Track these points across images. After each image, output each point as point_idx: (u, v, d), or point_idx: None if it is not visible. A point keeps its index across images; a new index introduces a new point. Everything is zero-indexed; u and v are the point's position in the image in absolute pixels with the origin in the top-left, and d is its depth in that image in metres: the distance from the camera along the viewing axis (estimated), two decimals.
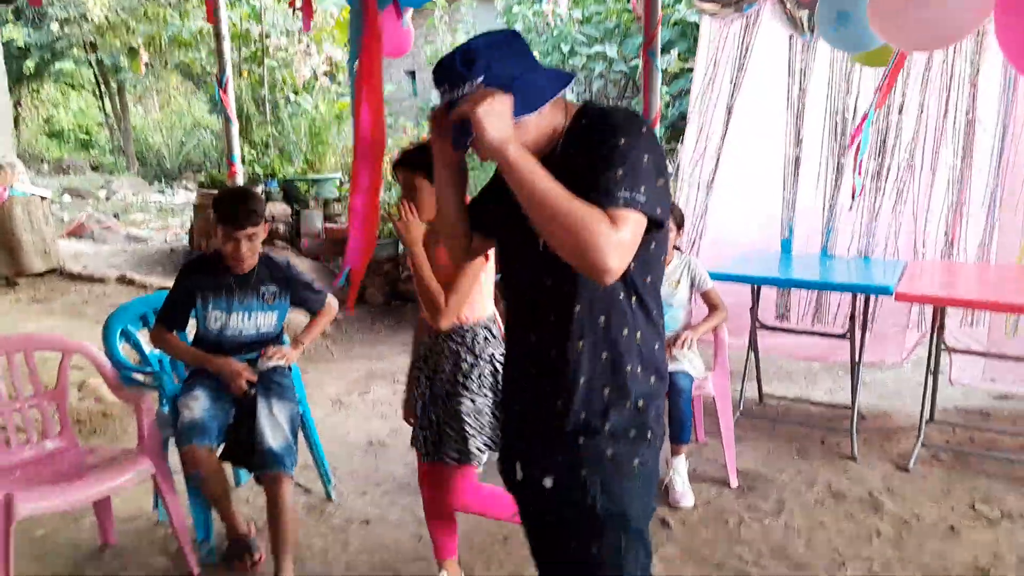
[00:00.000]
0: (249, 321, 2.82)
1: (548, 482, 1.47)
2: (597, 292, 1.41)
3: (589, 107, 1.48)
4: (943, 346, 3.56)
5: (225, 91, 4.79)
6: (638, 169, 1.32)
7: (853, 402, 3.59)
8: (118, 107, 13.89)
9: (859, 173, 3.96)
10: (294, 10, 5.38)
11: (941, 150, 4.06)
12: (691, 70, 7.18)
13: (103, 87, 13.90)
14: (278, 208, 6.53)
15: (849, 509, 3.02)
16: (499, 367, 2.30)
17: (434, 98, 10.48)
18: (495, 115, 1.28)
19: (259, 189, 6.36)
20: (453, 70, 1.35)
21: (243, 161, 4.75)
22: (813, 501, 3.09)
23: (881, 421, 3.89)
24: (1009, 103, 3.85)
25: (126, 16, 12.04)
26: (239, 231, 2.66)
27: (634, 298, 1.44)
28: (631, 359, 1.45)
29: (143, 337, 3.06)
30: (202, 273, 2.79)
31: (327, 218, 6.54)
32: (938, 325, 3.51)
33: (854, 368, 3.63)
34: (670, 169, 3.28)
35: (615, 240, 1.26)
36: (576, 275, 1.38)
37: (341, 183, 6.70)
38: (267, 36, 7.06)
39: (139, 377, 2.88)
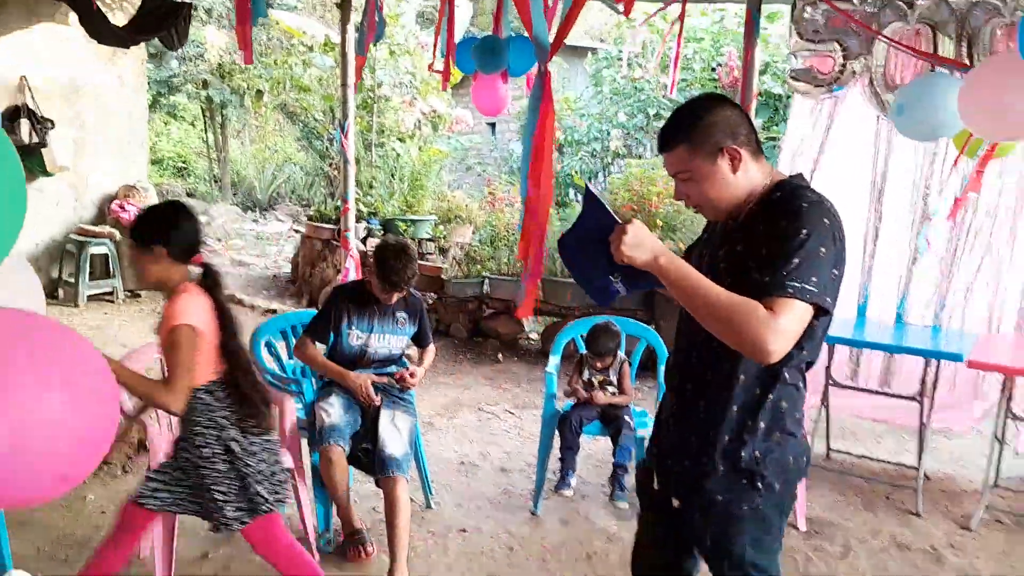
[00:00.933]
0: (384, 341, 3.22)
1: (675, 503, 1.75)
2: (756, 366, 1.60)
3: (787, 182, 1.65)
4: (1010, 415, 3.73)
5: (347, 136, 5.33)
6: (814, 260, 1.48)
7: (920, 460, 3.78)
8: (220, 139, 14.88)
9: (927, 237, 4.22)
10: (431, 71, 5.92)
11: (1019, 224, 4.27)
12: (774, 138, 7.52)
13: (208, 120, 14.94)
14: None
15: (912, 559, 3.22)
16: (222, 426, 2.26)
17: (515, 149, 11.01)
18: (636, 237, 1.52)
19: (362, 226, 6.89)
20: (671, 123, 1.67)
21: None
22: (878, 548, 3.29)
23: (945, 484, 4.05)
24: None
25: (238, 58, 13.05)
26: (395, 291, 3.08)
27: (788, 372, 1.64)
28: (764, 419, 1.64)
29: (283, 349, 3.50)
30: (352, 298, 3.21)
31: (421, 256, 7.03)
32: (1007, 394, 3.69)
33: (922, 428, 3.83)
34: None
35: (774, 327, 1.44)
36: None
37: (437, 224, 7.20)
38: (379, 85, 7.68)
39: (278, 383, 3.31)
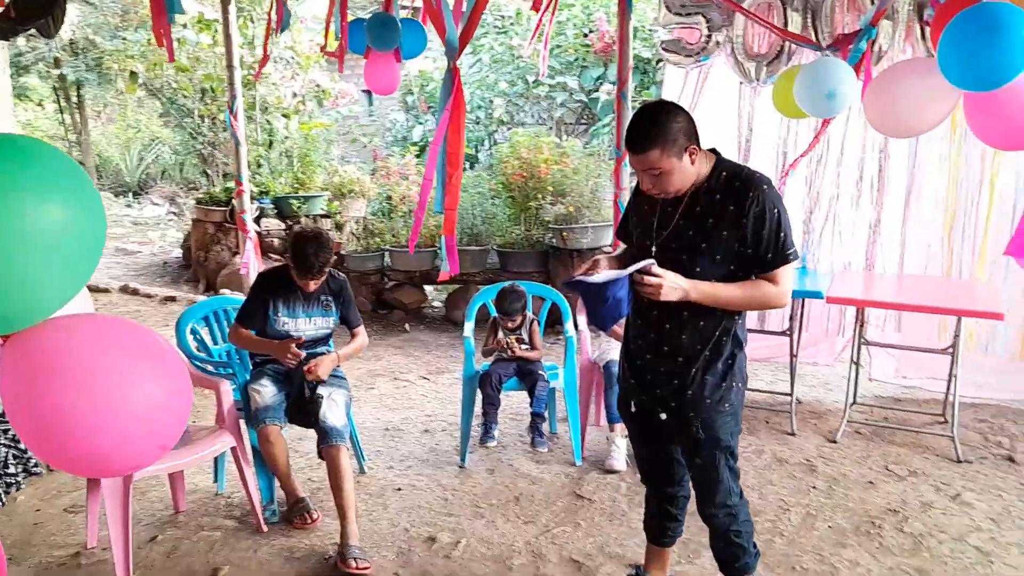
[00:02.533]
0: (310, 323, 3.37)
1: (663, 416, 2.27)
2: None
3: (721, 161, 2.18)
4: (864, 341, 4.34)
5: (235, 117, 5.32)
6: (788, 228, 2.11)
7: (792, 387, 4.34)
8: (77, 121, 14.01)
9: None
10: (324, 54, 5.91)
11: (863, 179, 4.87)
12: (644, 102, 7.97)
13: (63, 102, 14.02)
14: (272, 224, 7.03)
15: (791, 471, 3.75)
16: None
17: (397, 119, 11.06)
18: (666, 286, 2.02)
19: (254, 206, 6.84)
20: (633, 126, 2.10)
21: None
22: (762, 465, 3.80)
23: (814, 406, 4.65)
24: (916, 139, 4.68)
25: (92, 34, 12.31)
26: (312, 279, 3.20)
27: None
28: (731, 338, 2.21)
29: (206, 334, 3.60)
30: (276, 284, 3.32)
31: None
32: (860, 324, 4.29)
33: (792, 360, 4.38)
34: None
35: (783, 291, 2.12)
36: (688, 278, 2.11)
37: (330, 199, 7.24)
38: (260, 62, 7.55)
39: (208, 367, 3.41)
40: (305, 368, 3.27)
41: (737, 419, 2.28)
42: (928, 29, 4.03)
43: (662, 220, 2.21)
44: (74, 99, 13.90)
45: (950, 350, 4.03)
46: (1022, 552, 3.01)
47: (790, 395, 4.34)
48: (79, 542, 3.07)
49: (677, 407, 2.25)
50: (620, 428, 3.79)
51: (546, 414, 3.97)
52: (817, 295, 4.08)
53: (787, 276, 2.12)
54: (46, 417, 1.20)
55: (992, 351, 4.65)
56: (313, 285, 3.25)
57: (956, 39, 2.76)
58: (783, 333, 4.53)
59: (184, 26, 7.59)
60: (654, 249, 2.19)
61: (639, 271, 2.04)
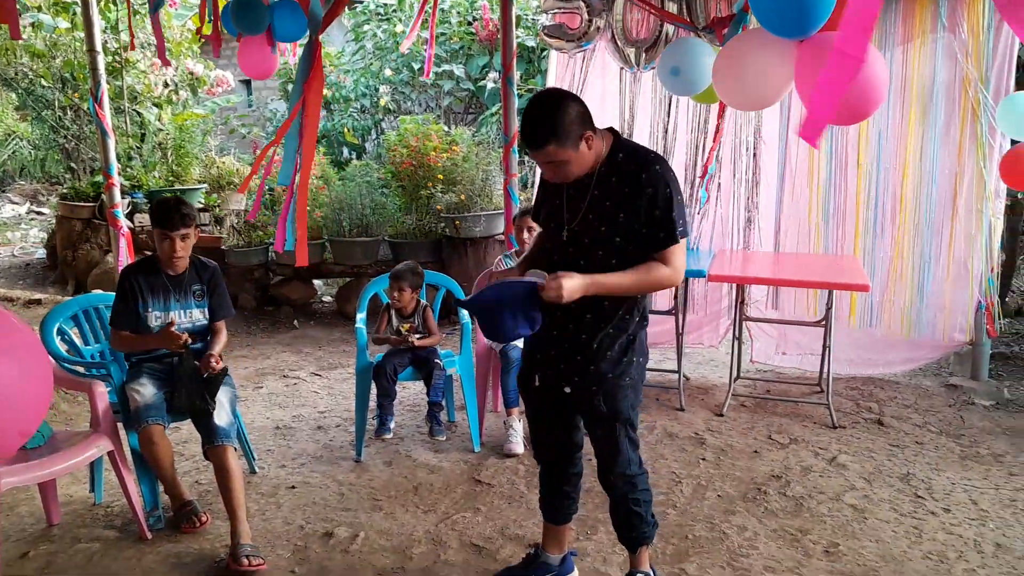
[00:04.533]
0: (185, 316, 3.20)
1: (567, 390, 2.31)
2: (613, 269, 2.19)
3: (619, 142, 2.22)
4: (744, 317, 4.53)
5: (100, 105, 4.98)
6: (680, 206, 2.16)
7: (679, 366, 4.49)
8: None
9: (706, 188, 4.90)
10: (201, 37, 5.59)
11: (737, 163, 5.08)
12: (531, 91, 8.04)
13: None
14: (146, 219, 6.63)
15: (681, 444, 3.88)
16: None
17: (278, 108, 10.68)
18: (563, 289, 2.06)
19: (127, 201, 6.44)
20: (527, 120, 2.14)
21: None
22: (654, 441, 3.91)
23: (701, 383, 4.84)
24: (786, 123, 4.92)
25: None
26: (174, 232, 3.06)
27: None
28: (632, 313, 2.28)
29: (76, 335, 3.35)
30: (141, 278, 3.14)
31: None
32: (740, 301, 4.48)
33: (679, 338, 4.53)
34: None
35: (676, 269, 2.17)
36: (597, 263, 2.19)
37: (208, 192, 6.91)
38: (126, 48, 7.10)
39: (79, 369, 3.18)
40: (200, 365, 3.08)
41: (638, 392, 2.34)
42: None
43: (569, 206, 2.25)
44: None
45: (823, 323, 4.28)
46: (892, 507, 3.23)
47: (677, 372, 4.49)
48: None
49: (580, 381, 2.28)
50: (517, 412, 3.81)
51: (443, 402, 3.93)
52: (700, 274, 4.23)
53: (678, 255, 2.18)
54: None
55: (864, 328, 4.93)
56: (179, 249, 3.07)
57: None
58: (668, 312, 4.67)
59: (39, 8, 7.03)
60: (564, 235, 2.23)
61: (534, 283, 2.11)
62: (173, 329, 3.01)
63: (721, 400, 4.43)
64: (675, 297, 4.58)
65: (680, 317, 4.54)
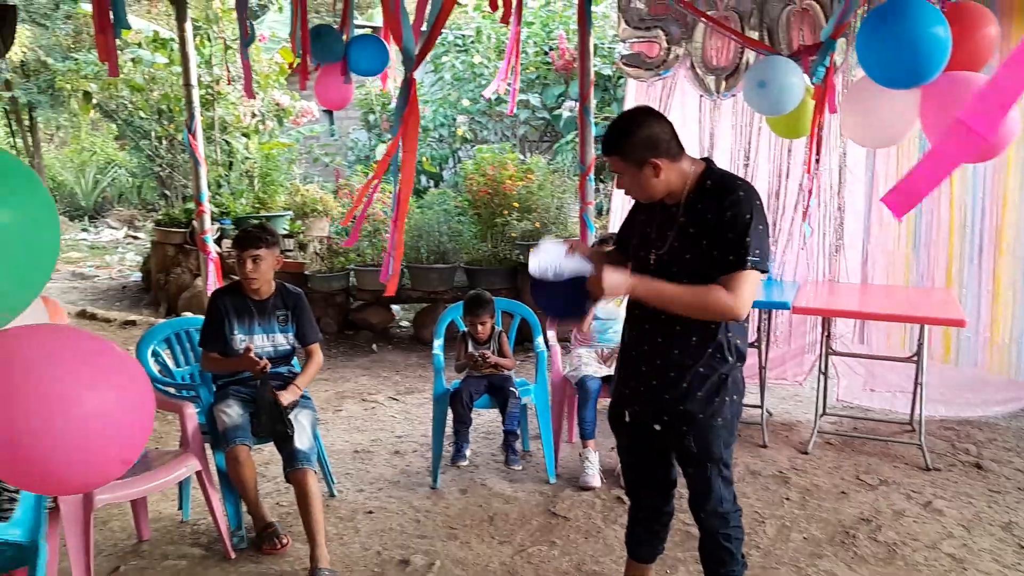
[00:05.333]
0: (267, 340, 3.30)
1: (657, 427, 2.24)
2: None
3: (711, 170, 2.17)
4: (830, 351, 4.37)
5: (194, 136, 5.22)
6: (758, 236, 2.04)
7: (762, 401, 4.35)
8: (29, 144, 13.67)
9: (808, 222, 4.74)
10: (292, 71, 5.84)
11: (822, 191, 4.94)
12: (607, 119, 8.04)
13: (15, 124, 13.68)
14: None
15: (764, 483, 3.74)
16: None
17: (359, 138, 10.98)
18: (610, 287, 2.01)
19: (215, 227, 6.71)
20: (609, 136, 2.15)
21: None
22: (736, 477, 3.76)
23: (784, 418, 4.67)
24: (873, 155, 4.77)
25: (44, 55, 12.07)
26: (245, 252, 3.20)
27: None
28: (725, 349, 2.17)
29: (168, 356, 3.49)
30: (229, 302, 3.26)
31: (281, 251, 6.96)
32: (826, 334, 4.32)
33: (762, 371, 4.40)
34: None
35: (738, 296, 2.01)
36: None
37: (293, 219, 7.14)
38: (217, 81, 7.45)
39: (171, 389, 3.31)
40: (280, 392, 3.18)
41: (731, 431, 2.25)
42: None
43: (659, 233, 2.22)
44: (26, 122, 13.58)
45: (915, 359, 4.09)
46: (994, 558, 3.03)
47: (760, 407, 4.35)
48: None
49: (670, 420, 2.22)
50: (593, 444, 3.76)
51: (519, 431, 3.92)
52: (784, 306, 4.11)
53: (745, 284, 2.03)
54: (2, 433, 1.13)
55: (960, 366, 4.69)
56: (251, 267, 3.18)
57: (868, 35, 2.76)
58: (751, 345, 4.54)
59: (139, 45, 7.45)
60: (652, 262, 2.19)
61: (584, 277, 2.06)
62: (251, 354, 3.10)
63: (806, 437, 4.27)
64: (758, 330, 4.45)
65: (763, 351, 4.41)
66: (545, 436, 3.78)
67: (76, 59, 9.40)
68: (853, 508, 3.46)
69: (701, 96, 5.00)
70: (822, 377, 4.34)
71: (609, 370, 3.77)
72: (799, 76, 3.70)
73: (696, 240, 2.12)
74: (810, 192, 4.51)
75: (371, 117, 10.42)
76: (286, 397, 3.17)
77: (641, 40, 4.92)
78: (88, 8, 9.71)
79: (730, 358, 2.19)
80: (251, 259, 3.20)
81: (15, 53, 11.38)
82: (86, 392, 1.13)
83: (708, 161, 2.22)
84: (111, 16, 3.69)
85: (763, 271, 2.06)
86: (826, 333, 4.33)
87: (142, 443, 1.19)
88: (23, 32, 11.32)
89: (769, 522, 3.34)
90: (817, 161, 4.37)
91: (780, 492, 3.64)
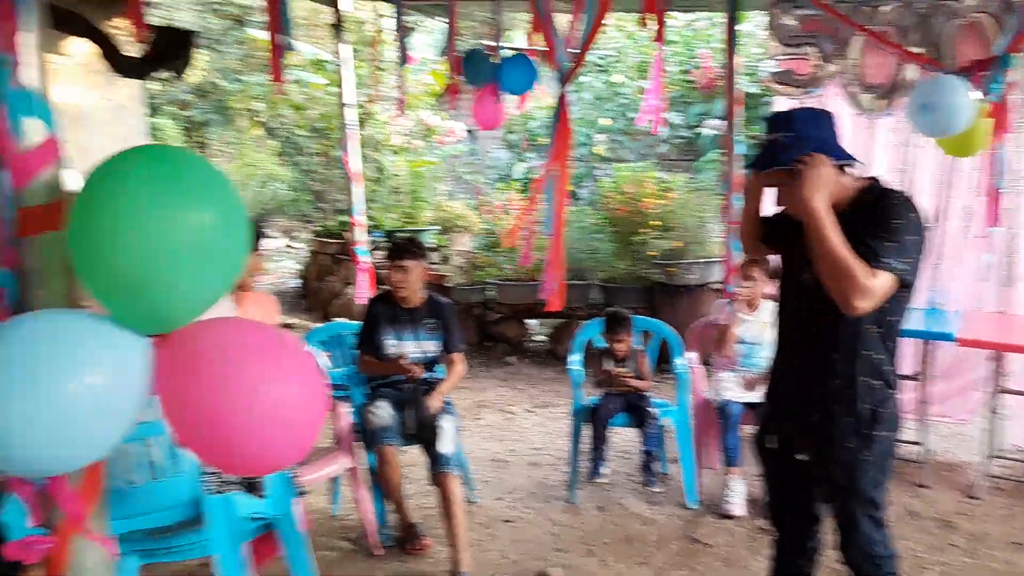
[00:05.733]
0: (416, 347, 3.42)
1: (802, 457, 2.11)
2: (856, 324, 1.98)
3: (875, 185, 2.06)
4: (1002, 388, 4.01)
5: (348, 153, 5.53)
6: (905, 245, 1.91)
7: (922, 438, 4.05)
8: None
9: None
10: (445, 93, 6.13)
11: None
12: (752, 138, 7.82)
13: (190, 141, 14.99)
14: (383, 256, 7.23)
15: (924, 526, 3.48)
16: None
17: (500, 156, 11.24)
18: (820, 178, 1.88)
19: (367, 239, 7.05)
20: (779, 119, 2.03)
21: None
22: (894, 517, 3.51)
23: (948, 457, 4.33)
24: None
25: (217, 77, 13.15)
26: (392, 262, 3.34)
27: (880, 331, 2.03)
28: (875, 378, 2.04)
29: (324, 358, 3.69)
30: (382, 309, 3.41)
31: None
32: (997, 370, 3.97)
33: (922, 407, 4.09)
34: None
35: (867, 286, 1.85)
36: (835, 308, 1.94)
37: (439, 233, 7.41)
38: (370, 101, 7.85)
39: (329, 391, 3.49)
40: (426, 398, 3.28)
41: (883, 470, 2.11)
42: None
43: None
44: (200, 139, 14.85)
45: None
46: None
47: (920, 444, 4.05)
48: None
49: (818, 447, 2.11)
50: (738, 471, 3.62)
51: (657, 452, 3.85)
52: (947, 337, 3.81)
53: (879, 278, 1.87)
54: (198, 415, 1.24)
55: None
56: (398, 277, 3.31)
57: None
58: (912, 378, 4.24)
59: (301, 67, 7.98)
60: (805, 276, 2.06)
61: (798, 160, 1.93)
62: (403, 363, 3.24)
63: (971, 480, 3.93)
64: (922, 360, 4.16)
65: (924, 385, 4.11)
66: (685, 459, 3.69)
67: (245, 81, 10.19)
68: None
69: (855, 115, 4.76)
70: (993, 416, 3.99)
71: (753, 396, 3.64)
72: (968, 95, 3.45)
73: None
74: (994, 216, 4.15)
75: (511, 136, 10.64)
76: (431, 403, 3.27)
77: (791, 57, 4.76)
78: (256, 34, 10.54)
79: (881, 386, 2.05)
80: (399, 269, 3.33)
81: (192, 75, 12.44)
82: (275, 383, 1.22)
83: (873, 179, 2.10)
84: (279, 38, 3.99)
85: (905, 284, 1.93)
86: (998, 369, 3.98)
87: (317, 432, 1.28)
88: (200, 56, 12.38)
89: (932, 568, 3.10)
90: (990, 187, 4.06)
91: (944, 537, 3.37)
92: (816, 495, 2.25)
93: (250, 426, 1.21)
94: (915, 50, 4.27)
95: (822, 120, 2.05)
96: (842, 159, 2.00)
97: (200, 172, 1.31)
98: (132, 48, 5.22)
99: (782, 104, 5.13)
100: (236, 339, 1.28)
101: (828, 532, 2.32)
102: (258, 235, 2.94)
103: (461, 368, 3.49)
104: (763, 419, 2.32)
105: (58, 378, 1.09)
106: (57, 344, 1.11)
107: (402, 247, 3.38)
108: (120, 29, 6.56)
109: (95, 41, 4.45)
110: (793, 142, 1.96)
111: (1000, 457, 4.16)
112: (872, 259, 1.86)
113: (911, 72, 4.33)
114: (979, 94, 3.55)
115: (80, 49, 6.02)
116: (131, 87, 7.06)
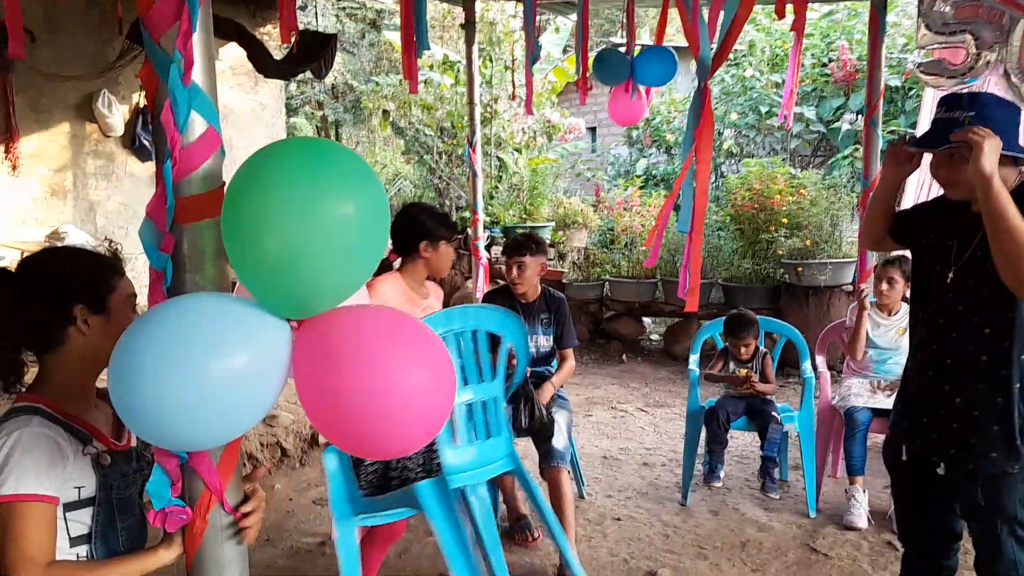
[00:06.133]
0: (531, 341, 3.45)
1: (940, 471, 1.99)
2: (1010, 323, 1.88)
3: None
4: None
5: (474, 150, 5.64)
6: None
7: None
8: None
9: None
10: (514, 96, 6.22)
11: None
12: (892, 132, 7.39)
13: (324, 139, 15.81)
14: (500, 251, 7.36)
15: None
16: None
17: (621, 153, 11.16)
18: (993, 149, 1.74)
19: (486, 234, 7.20)
20: (961, 99, 1.92)
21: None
22: None
23: None
24: None
25: (350, 78, 13.76)
26: (512, 258, 3.40)
27: None
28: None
29: None
30: (499, 298, 3.48)
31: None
32: None
33: None
34: None
35: None
36: (980, 306, 1.90)
37: (555, 230, 7.45)
38: (496, 100, 7.99)
39: None
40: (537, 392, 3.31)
41: None
42: None
43: (961, 242, 1.97)
44: (333, 138, 15.58)
45: None
46: None
47: None
48: (325, 532, 3.34)
49: (956, 457, 1.98)
50: (861, 481, 3.46)
51: (778, 458, 3.73)
52: None
53: None
54: (333, 398, 1.30)
55: None
56: (515, 272, 3.36)
57: None
58: None
59: (431, 67, 8.21)
60: (950, 277, 1.96)
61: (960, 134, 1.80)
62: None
63: None
64: None
65: None
66: (808, 466, 3.55)
67: (377, 82, 10.60)
68: None
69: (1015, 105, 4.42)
70: None
71: (883, 401, 3.46)
72: None
73: None
74: None
75: (633, 133, 10.54)
76: (542, 395, 3.30)
77: (945, 46, 4.47)
78: (389, 36, 10.92)
79: None
80: (516, 265, 3.39)
81: (328, 76, 13.10)
82: (404, 369, 1.27)
83: None
84: (415, 39, 4.10)
85: None
86: None
87: (444, 419, 1.32)
88: (336, 58, 13.01)
89: None
90: None
91: None
92: (953, 510, 2.11)
93: (380, 411, 1.26)
94: None
95: (1010, 109, 1.93)
96: (1017, 153, 1.86)
97: (346, 164, 1.35)
98: (277, 51, 5.57)
99: (931, 96, 4.85)
100: (371, 326, 1.34)
101: (964, 551, 2.19)
102: (451, 228, 2.96)
103: (571, 363, 3.52)
104: (894, 427, 2.20)
105: (206, 358, 1.17)
106: (206, 326, 1.21)
107: (520, 244, 3.43)
108: (266, 33, 7.02)
109: (243, 45, 4.76)
110: (974, 122, 1.83)
111: None
112: None
113: None
114: None
115: (229, 52, 6.49)
116: (272, 88, 7.54)
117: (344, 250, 1.28)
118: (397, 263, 2.89)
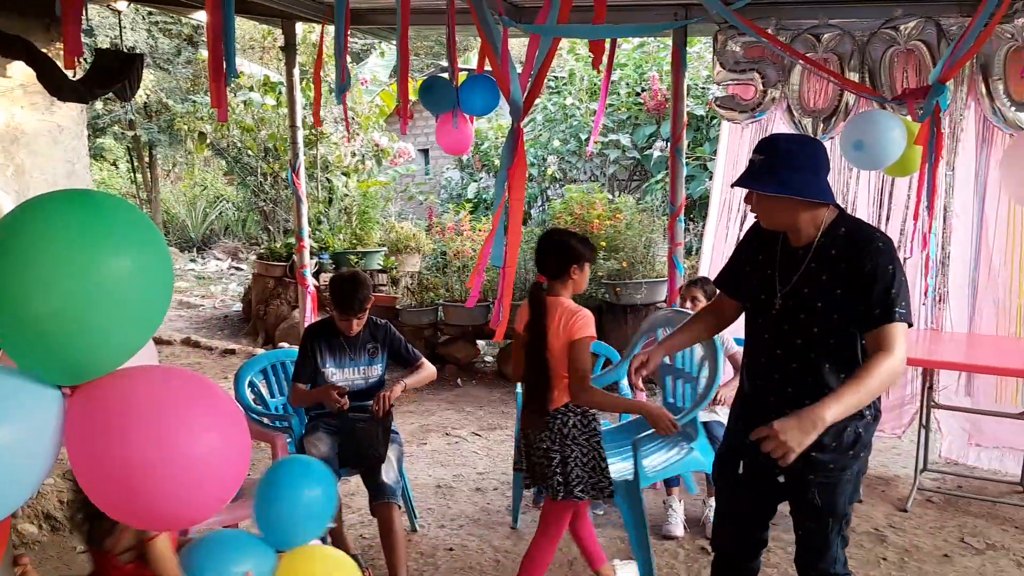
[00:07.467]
0: (359, 373, 3.40)
1: (781, 479, 2.14)
2: (833, 355, 2.07)
3: (843, 216, 2.11)
4: (933, 404, 4.16)
5: (298, 175, 5.50)
6: (903, 288, 1.99)
7: None
8: (148, 179, 14.68)
9: (929, 275, 4.54)
10: (395, 113, 6.10)
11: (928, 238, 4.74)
12: (698, 159, 8.00)
13: (136, 161, 14.74)
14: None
15: (858, 540, 3.57)
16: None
17: (453, 177, 11.29)
18: (797, 434, 1.82)
19: (313, 261, 7.00)
20: (761, 144, 2.09)
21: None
22: None
23: (881, 472, 4.45)
24: (981, 193, 4.54)
25: (165, 97, 13.01)
26: (353, 317, 3.25)
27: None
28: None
29: (264, 387, 3.65)
30: (321, 337, 3.38)
31: (373, 287, 7.19)
32: (928, 386, 4.11)
33: None
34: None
35: (901, 359, 1.95)
36: (814, 341, 2.07)
37: (387, 255, 7.38)
38: (323, 122, 7.81)
39: (265, 420, 3.45)
40: (372, 406, 3.23)
41: (856, 488, 2.20)
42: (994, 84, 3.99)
43: (782, 277, 2.14)
44: (146, 159, 14.61)
45: None
46: None
47: None
48: None
49: (798, 470, 2.04)
50: (677, 492, 3.68)
51: None
52: None
53: (898, 337, 1.96)
54: (110, 469, 1.21)
55: None
56: (356, 325, 3.26)
57: None
58: None
59: (250, 88, 7.92)
60: (776, 306, 2.12)
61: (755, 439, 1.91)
62: (335, 392, 3.18)
63: (904, 494, 4.05)
64: None
65: None
66: None
67: (194, 101, 10.08)
68: (957, 573, 3.26)
69: None
70: (923, 431, 4.13)
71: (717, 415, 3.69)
72: (899, 129, 3.60)
73: (828, 289, 2.05)
74: (925, 240, 4.32)
75: (464, 157, 10.69)
76: (393, 389, 3.23)
77: (736, 83, 4.89)
78: (207, 54, 10.47)
79: (867, 413, 2.10)
80: (358, 319, 3.29)
81: (140, 95, 12.30)
82: (190, 434, 1.20)
83: (840, 208, 2.14)
84: (224, 65, 3.92)
85: (909, 324, 2.00)
86: (928, 385, 4.12)
87: (238, 484, 1.26)
88: (147, 76, 12.23)
89: None
90: (928, 207, 4.21)
91: (876, 551, 3.46)
92: (770, 520, 2.33)
93: (167, 480, 1.19)
94: (853, 76, 4.44)
95: (809, 147, 2.08)
96: (814, 199, 2.04)
97: (121, 215, 1.28)
98: (71, 72, 5.13)
99: (728, 129, 5.28)
100: (155, 389, 1.26)
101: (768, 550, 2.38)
102: (593, 250, 3.06)
103: (431, 368, 3.52)
104: (732, 441, 2.34)
105: None
106: None
107: (355, 301, 3.22)
108: (62, 50, 6.47)
109: (32, 64, 4.36)
110: (765, 168, 2.03)
111: (931, 471, 4.30)
112: (886, 317, 1.95)
113: (852, 98, 4.50)
114: (911, 121, 3.71)
115: (19, 69, 5.90)
116: (72, 108, 6.92)
117: (121, 308, 1.21)
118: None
